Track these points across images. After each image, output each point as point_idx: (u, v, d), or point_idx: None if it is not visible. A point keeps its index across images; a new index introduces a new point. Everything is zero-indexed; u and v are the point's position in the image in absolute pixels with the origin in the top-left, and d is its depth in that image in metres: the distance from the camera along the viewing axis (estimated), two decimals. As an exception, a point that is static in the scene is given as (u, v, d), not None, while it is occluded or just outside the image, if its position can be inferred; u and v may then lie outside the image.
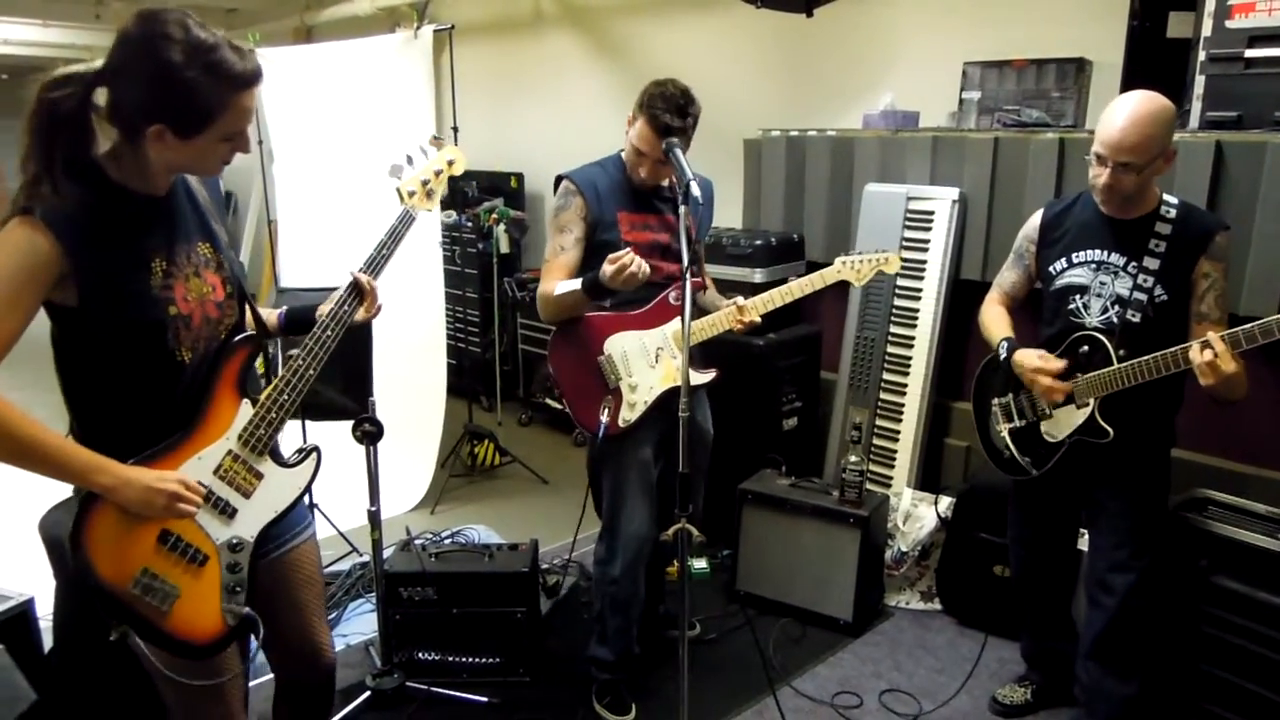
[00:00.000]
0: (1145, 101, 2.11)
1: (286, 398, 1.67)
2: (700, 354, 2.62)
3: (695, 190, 2.14)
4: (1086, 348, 2.28)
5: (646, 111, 2.38)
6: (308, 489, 1.75)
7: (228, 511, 1.63)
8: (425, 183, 1.99)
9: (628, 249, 2.29)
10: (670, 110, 2.35)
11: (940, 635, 3.14)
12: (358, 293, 1.78)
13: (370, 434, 2.48)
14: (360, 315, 1.80)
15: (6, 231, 1.41)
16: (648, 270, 2.28)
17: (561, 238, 2.51)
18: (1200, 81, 2.81)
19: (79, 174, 1.46)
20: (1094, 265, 2.30)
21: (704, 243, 2.87)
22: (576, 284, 2.39)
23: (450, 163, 2.05)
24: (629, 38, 5.24)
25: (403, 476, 4.41)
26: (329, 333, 1.71)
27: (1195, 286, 2.22)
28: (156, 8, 1.44)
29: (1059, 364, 2.30)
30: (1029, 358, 2.34)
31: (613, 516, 2.60)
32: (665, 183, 2.54)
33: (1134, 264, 2.24)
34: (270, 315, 1.88)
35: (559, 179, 2.57)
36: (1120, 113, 2.11)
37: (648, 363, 2.50)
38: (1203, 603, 2.49)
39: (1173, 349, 2.10)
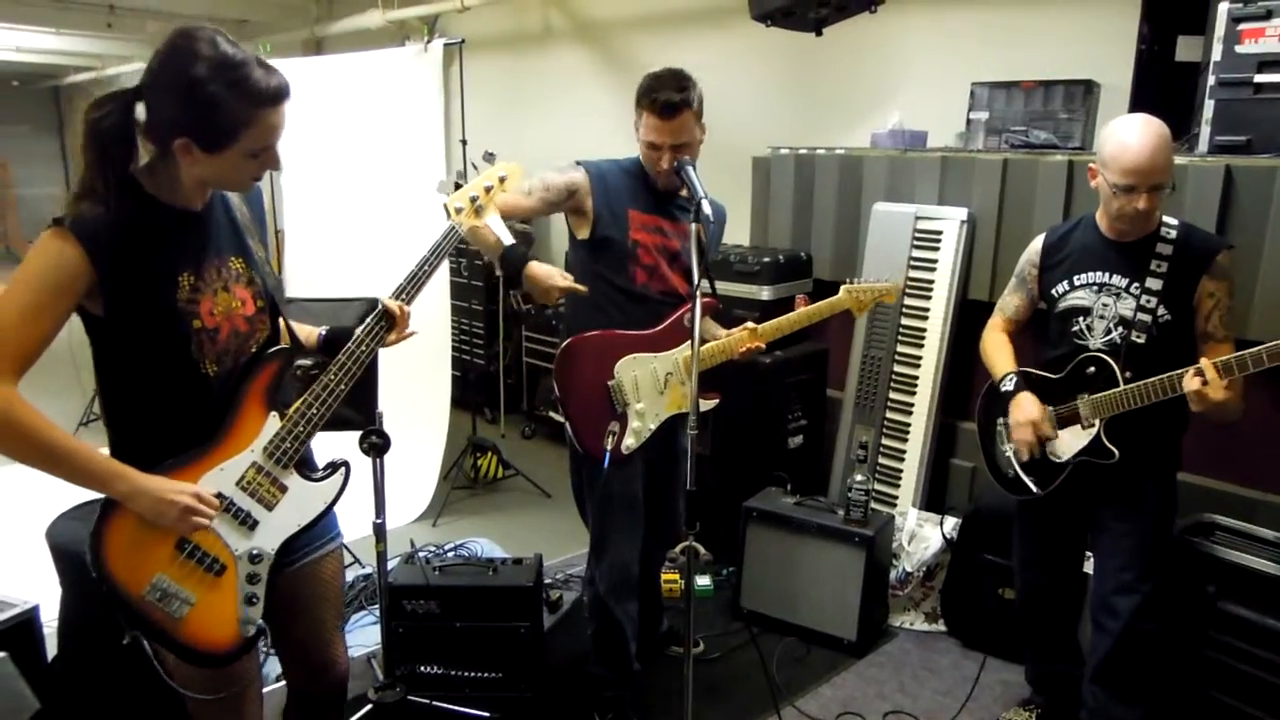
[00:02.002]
0: (1150, 123, 2.15)
1: (315, 411, 1.68)
2: (702, 378, 2.61)
3: (707, 208, 2.14)
4: (1092, 369, 2.30)
5: (645, 99, 2.35)
6: (335, 503, 1.76)
7: (248, 523, 1.64)
8: (474, 199, 1.94)
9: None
10: (666, 87, 2.32)
11: (944, 657, 3.13)
12: (388, 319, 1.80)
13: (377, 446, 2.46)
14: (391, 339, 1.83)
15: (39, 242, 1.46)
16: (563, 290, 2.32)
17: (540, 187, 2.41)
18: (1209, 106, 2.81)
19: (118, 188, 1.50)
20: (1096, 287, 2.32)
21: (711, 261, 2.86)
22: (506, 240, 2.20)
23: (502, 179, 1.97)
24: (638, 54, 5.27)
25: (406, 488, 4.40)
26: (363, 348, 1.73)
27: (1200, 306, 2.24)
28: (192, 25, 1.47)
29: (1053, 434, 2.35)
30: (1030, 409, 2.36)
31: (599, 538, 2.59)
32: (684, 191, 2.50)
33: (1136, 285, 2.26)
34: (311, 334, 1.89)
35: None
36: (1138, 140, 2.12)
37: (657, 389, 2.48)
38: (1209, 628, 2.48)
39: (1171, 373, 2.12)
